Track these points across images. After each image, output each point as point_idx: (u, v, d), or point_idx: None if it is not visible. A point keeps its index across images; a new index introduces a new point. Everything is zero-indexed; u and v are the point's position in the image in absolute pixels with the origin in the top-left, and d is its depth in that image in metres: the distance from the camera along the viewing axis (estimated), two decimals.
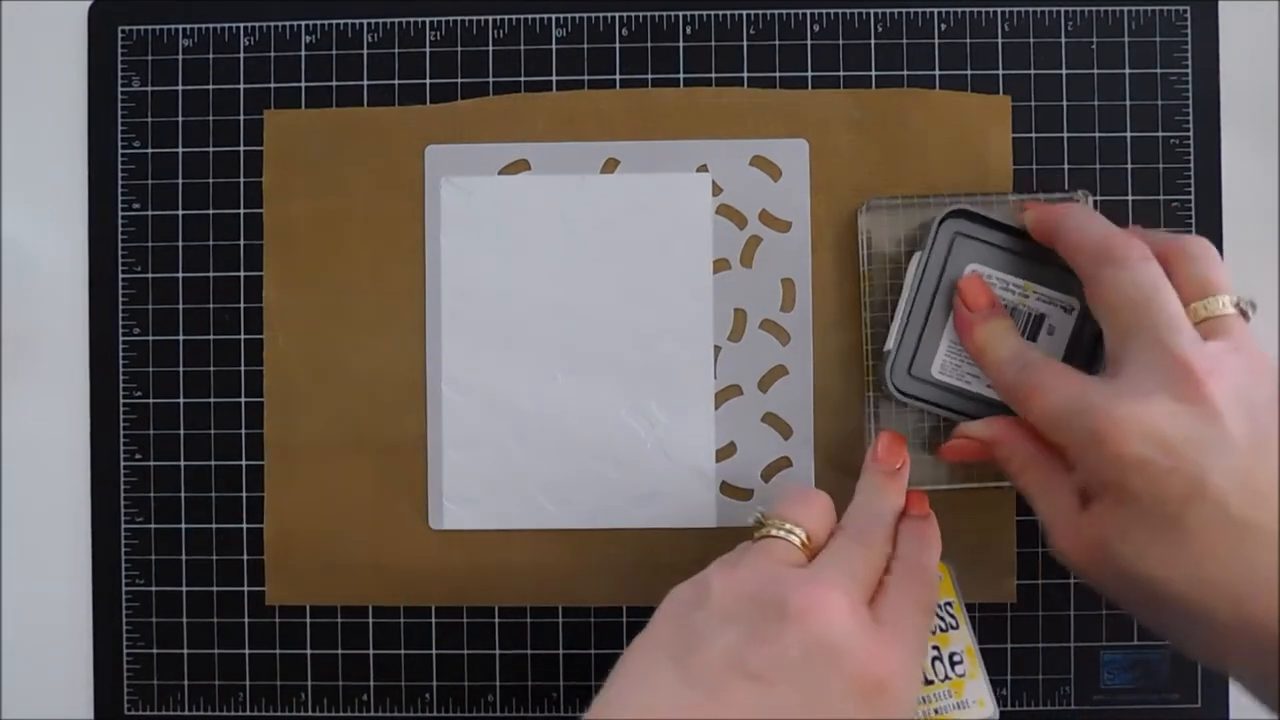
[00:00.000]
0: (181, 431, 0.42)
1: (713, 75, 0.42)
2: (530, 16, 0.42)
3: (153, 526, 0.42)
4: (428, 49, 0.42)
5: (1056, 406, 0.33)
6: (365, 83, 0.42)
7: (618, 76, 0.42)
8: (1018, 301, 0.38)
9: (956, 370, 0.39)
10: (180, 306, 0.42)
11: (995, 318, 0.37)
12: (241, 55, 0.42)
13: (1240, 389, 0.31)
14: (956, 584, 0.38)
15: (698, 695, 0.28)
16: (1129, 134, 0.41)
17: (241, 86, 0.42)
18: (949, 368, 0.39)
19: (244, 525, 0.42)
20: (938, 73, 0.42)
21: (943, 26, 0.42)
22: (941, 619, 0.37)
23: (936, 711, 0.36)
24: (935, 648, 0.37)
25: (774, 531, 0.33)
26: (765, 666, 0.29)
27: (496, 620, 0.42)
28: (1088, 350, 0.38)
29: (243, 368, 0.42)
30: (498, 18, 0.42)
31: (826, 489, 0.41)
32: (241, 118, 0.42)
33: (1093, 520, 0.32)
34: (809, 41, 0.42)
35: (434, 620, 0.42)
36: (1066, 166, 0.41)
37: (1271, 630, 0.29)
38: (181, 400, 0.42)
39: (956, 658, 0.37)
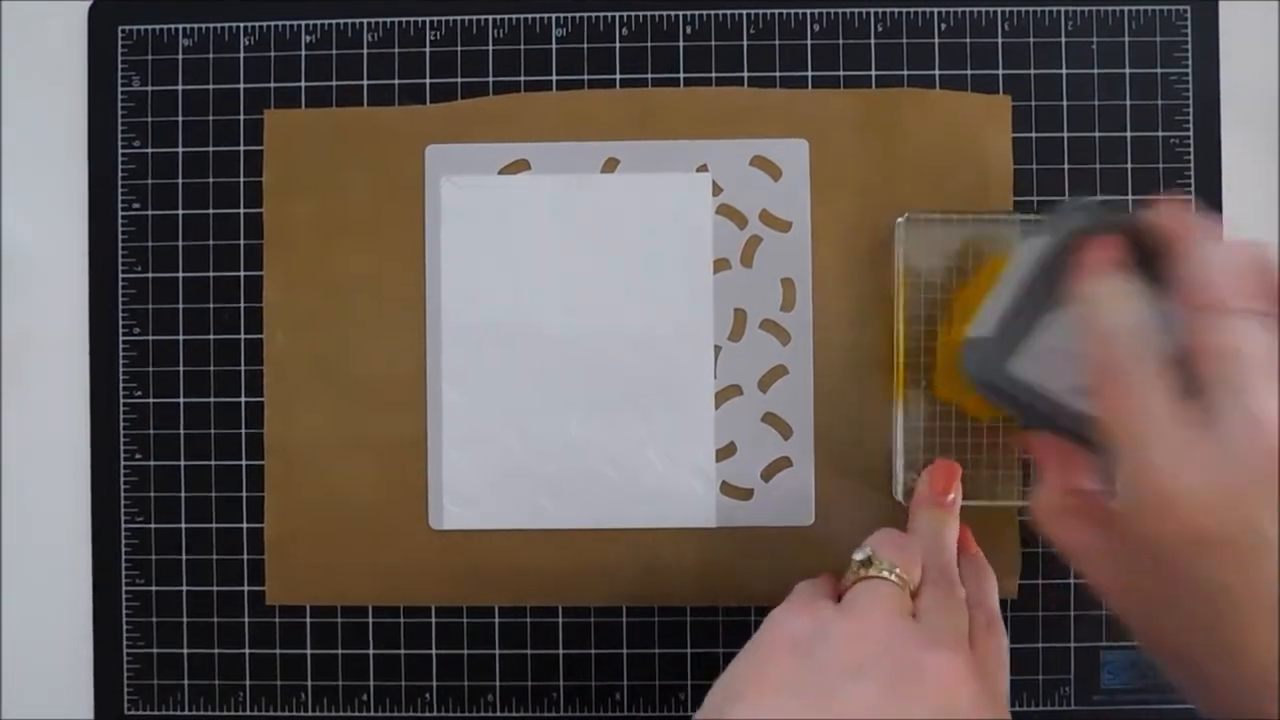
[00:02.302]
0: (181, 431, 0.42)
1: (713, 75, 0.42)
2: (530, 16, 0.42)
3: (153, 526, 0.42)
4: (428, 49, 0.42)
5: (1131, 437, 0.30)
6: (365, 83, 0.42)
7: (618, 76, 0.42)
8: None
9: (1039, 371, 0.35)
10: (180, 306, 0.42)
11: (1119, 277, 0.32)
12: (241, 55, 0.42)
13: None
14: None
15: None
16: (1129, 134, 0.41)
17: (241, 86, 0.42)
18: (1031, 369, 0.35)
19: (244, 525, 0.42)
20: (938, 73, 0.42)
21: (943, 26, 0.42)
22: None
23: None
24: None
25: (884, 573, 0.32)
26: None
27: (496, 620, 0.42)
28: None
29: (243, 368, 0.42)
30: (498, 18, 0.42)
31: (827, 489, 0.41)
32: (241, 118, 0.42)
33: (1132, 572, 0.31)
34: (809, 41, 0.42)
35: (434, 620, 0.42)
36: (1066, 166, 0.41)
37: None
38: (181, 400, 0.42)
39: None
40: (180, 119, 0.42)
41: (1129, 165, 0.41)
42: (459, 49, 0.42)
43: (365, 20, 0.42)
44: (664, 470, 0.41)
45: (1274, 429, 0.28)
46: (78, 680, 0.42)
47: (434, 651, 0.42)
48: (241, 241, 0.42)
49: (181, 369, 0.42)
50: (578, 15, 0.42)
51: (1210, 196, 0.41)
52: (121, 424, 0.42)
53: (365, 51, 0.42)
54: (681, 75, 0.42)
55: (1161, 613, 0.31)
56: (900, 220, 0.40)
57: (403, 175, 0.42)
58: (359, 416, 0.42)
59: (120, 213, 0.42)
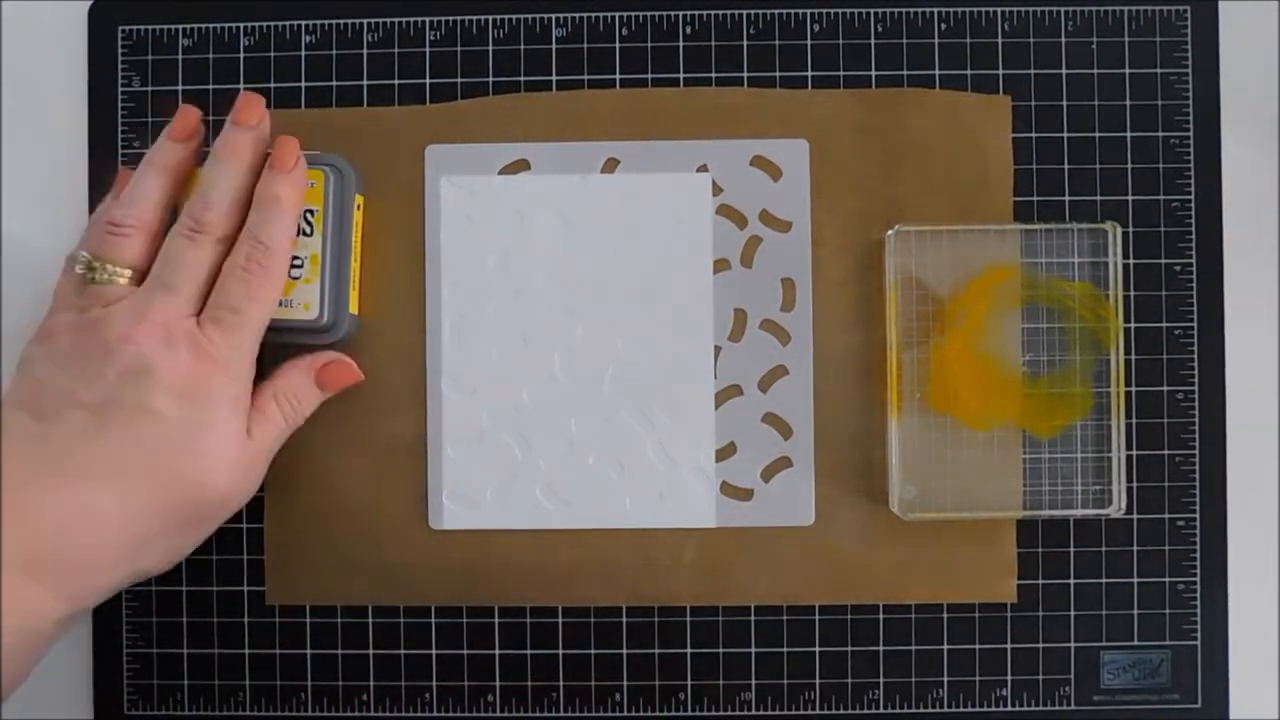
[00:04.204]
0: None
1: (713, 75, 0.42)
2: (530, 16, 0.42)
3: None
4: (428, 49, 0.42)
5: None
6: (365, 83, 0.42)
7: (618, 76, 0.42)
8: None
9: None
10: None
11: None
12: (241, 55, 0.42)
13: None
14: (333, 192, 0.39)
15: (41, 427, 0.35)
16: (1129, 134, 0.41)
17: (241, 86, 0.42)
18: None
19: (244, 525, 0.42)
20: (938, 73, 0.42)
21: (943, 26, 0.42)
22: (300, 227, 0.38)
23: None
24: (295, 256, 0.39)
25: (101, 278, 0.37)
26: (91, 397, 0.35)
27: (496, 620, 0.42)
28: None
29: None
30: (498, 18, 0.42)
31: (827, 490, 0.41)
32: None
33: None
34: (809, 41, 0.42)
35: (434, 620, 0.42)
36: (1066, 166, 0.41)
37: None
38: None
39: (298, 261, 0.38)
40: None
41: (1129, 165, 0.41)
42: (459, 49, 0.42)
43: (365, 20, 0.42)
44: (664, 470, 0.41)
45: None
46: (78, 680, 0.42)
47: (434, 651, 0.42)
48: None
49: None
50: (578, 15, 0.42)
51: (1210, 196, 0.41)
52: None
53: (365, 51, 0.42)
54: (681, 75, 0.42)
55: None
56: (890, 233, 0.40)
57: (403, 175, 0.42)
58: (358, 416, 0.42)
59: None
